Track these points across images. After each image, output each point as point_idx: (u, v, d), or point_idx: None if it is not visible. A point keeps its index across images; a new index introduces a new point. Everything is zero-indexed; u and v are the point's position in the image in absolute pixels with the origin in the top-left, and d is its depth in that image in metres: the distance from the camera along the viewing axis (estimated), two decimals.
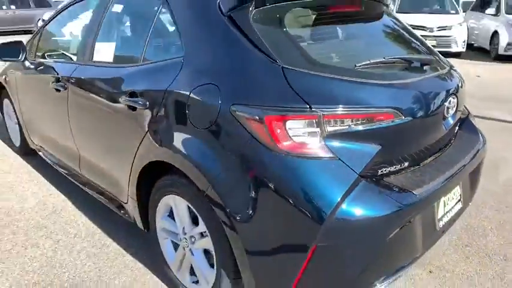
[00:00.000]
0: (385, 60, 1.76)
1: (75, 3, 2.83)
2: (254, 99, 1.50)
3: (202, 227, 1.74)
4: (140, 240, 2.46)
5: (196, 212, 1.74)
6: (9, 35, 16.04)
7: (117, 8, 2.33)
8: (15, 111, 3.60)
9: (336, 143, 1.47)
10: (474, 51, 11.07)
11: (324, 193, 1.42)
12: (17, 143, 3.87)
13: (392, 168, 1.62)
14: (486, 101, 5.75)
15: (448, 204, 1.86)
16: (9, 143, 4.08)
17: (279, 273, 1.50)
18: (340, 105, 1.48)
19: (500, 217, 2.74)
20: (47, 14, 14.38)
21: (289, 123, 1.44)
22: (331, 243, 1.44)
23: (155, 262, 2.22)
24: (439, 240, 1.92)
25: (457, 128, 2.11)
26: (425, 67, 1.89)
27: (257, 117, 1.45)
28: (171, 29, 1.91)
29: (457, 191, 1.93)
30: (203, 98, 1.61)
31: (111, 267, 2.25)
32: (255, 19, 1.65)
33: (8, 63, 3.83)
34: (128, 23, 2.44)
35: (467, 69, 7.97)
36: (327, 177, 1.44)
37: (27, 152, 3.75)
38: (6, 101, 3.84)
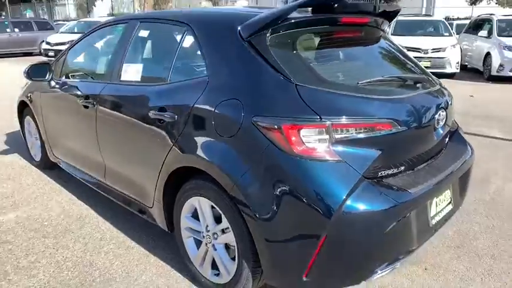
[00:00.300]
0: (383, 78, 2.06)
1: (100, 28, 3.13)
2: (272, 111, 1.77)
3: (225, 223, 1.99)
4: (162, 242, 2.69)
5: (220, 211, 1.98)
6: (12, 57, 16.54)
7: (144, 33, 2.63)
8: (37, 127, 3.86)
9: (342, 148, 1.73)
10: (468, 72, 11.49)
11: (332, 191, 1.68)
12: (37, 158, 4.11)
13: (390, 171, 1.89)
14: (479, 119, 6.07)
15: (440, 205, 2.12)
16: (28, 158, 4.32)
17: (294, 258, 1.75)
18: (346, 116, 1.75)
19: (490, 223, 2.99)
20: (53, 37, 14.85)
21: (303, 131, 1.71)
22: (338, 233, 1.69)
23: (177, 260, 2.45)
24: (433, 241, 2.17)
25: (447, 139, 2.38)
26: (418, 85, 2.18)
27: (276, 126, 1.72)
28: (196, 52, 2.19)
29: (447, 194, 2.19)
30: (227, 111, 1.89)
31: (137, 265, 2.47)
32: (271, 44, 1.94)
33: (28, 83, 4.15)
34: (154, 47, 2.73)
35: (461, 90, 8.32)
36: (334, 177, 1.71)
37: (47, 166, 4.00)
38: (28, 119, 4.11)
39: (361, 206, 1.70)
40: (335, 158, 1.72)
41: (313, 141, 1.72)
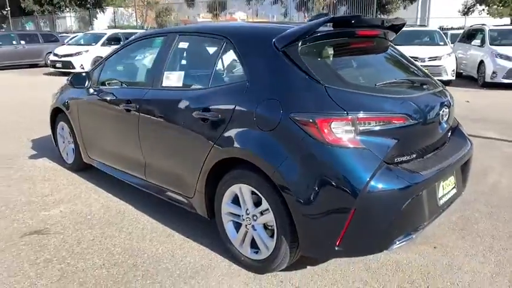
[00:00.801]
0: (396, 80, 2.43)
1: (137, 41, 3.50)
2: (307, 108, 2.13)
3: (264, 205, 2.32)
4: (198, 231, 3.02)
5: (260, 195, 2.32)
6: (17, 68, 16.91)
7: (183, 45, 3.00)
8: (72, 132, 4.20)
9: (365, 138, 2.09)
10: (463, 79, 11.96)
11: (358, 172, 2.04)
12: (69, 161, 4.44)
13: (404, 158, 2.24)
14: (475, 123, 6.46)
15: (445, 188, 2.47)
16: (59, 161, 4.65)
17: (329, 230, 2.09)
18: (367, 111, 2.11)
19: (489, 210, 3.34)
20: (61, 48, 15.24)
21: (333, 124, 2.07)
22: (364, 208, 2.04)
23: (215, 244, 2.79)
24: (441, 222, 2.50)
25: (449, 133, 2.74)
26: (424, 86, 2.55)
27: (311, 120, 2.08)
28: (235, 61, 2.56)
29: (452, 179, 2.54)
30: (267, 109, 2.24)
31: (180, 249, 2.80)
32: (301, 52, 2.31)
33: (57, 90, 4.51)
34: (194, 57, 3.10)
35: (457, 96, 8.61)
36: (360, 161, 2.06)
37: (79, 168, 4.33)
38: (61, 124, 4.44)
39: (382, 186, 2.05)
40: (360, 146, 2.08)
41: (341, 132, 2.08)
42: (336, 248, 2.11)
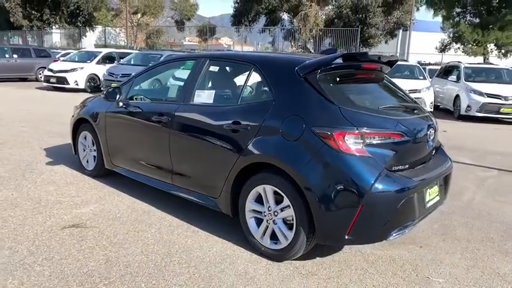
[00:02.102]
0: (393, 105, 3.02)
1: (167, 63, 4.02)
2: (325, 124, 2.67)
3: (285, 202, 2.82)
4: (221, 225, 3.47)
5: (282, 193, 2.82)
6: (8, 81, 17.08)
7: (214, 68, 3.53)
8: (95, 141, 4.61)
9: (370, 148, 2.64)
10: (440, 111, 12.90)
11: (365, 176, 2.57)
12: (89, 167, 4.83)
13: (400, 167, 2.80)
14: (452, 149, 7.10)
15: (431, 194, 3.03)
16: (78, 168, 5.02)
17: (341, 221, 2.60)
18: (372, 128, 2.67)
19: (465, 220, 3.92)
20: (56, 64, 15.57)
21: (346, 137, 2.62)
22: (369, 205, 2.57)
23: (237, 238, 3.25)
24: (425, 228, 3.05)
25: (434, 151, 3.33)
26: (415, 111, 3.15)
27: (329, 133, 2.62)
28: (261, 83, 3.10)
29: (436, 188, 3.11)
30: (292, 123, 2.77)
31: (206, 242, 3.24)
32: (319, 79, 2.87)
33: (79, 104, 4.95)
34: (224, 78, 3.63)
35: None
36: (367, 167, 2.60)
37: (99, 174, 4.72)
38: (84, 134, 4.85)
39: (384, 187, 2.59)
40: (366, 155, 2.62)
41: (352, 143, 2.62)
42: (346, 237, 2.62)
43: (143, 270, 2.79)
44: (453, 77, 12.58)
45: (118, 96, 4.15)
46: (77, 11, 32.38)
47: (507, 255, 3.24)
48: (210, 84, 3.64)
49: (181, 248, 3.13)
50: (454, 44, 28.75)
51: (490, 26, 27.33)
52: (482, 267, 3.03)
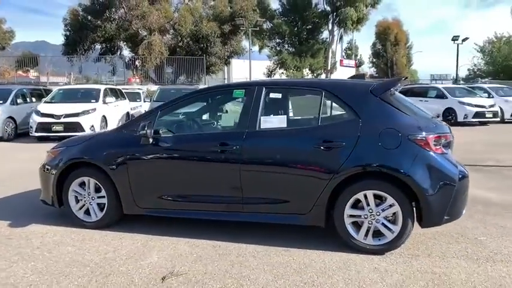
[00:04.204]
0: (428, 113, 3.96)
1: (211, 92, 4.13)
2: (416, 131, 3.38)
3: (389, 202, 3.37)
4: (303, 242, 3.71)
5: (386, 195, 3.37)
6: None
7: (275, 95, 3.81)
8: (104, 187, 4.10)
9: (443, 147, 3.47)
10: None
11: (452, 167, 3.41)
12: (94, 218, 4.19)
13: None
14: None
15: None
16: (66, 222, 4.31)
17: (442, 205, 3.35)
18: (441, 132, 3.53)
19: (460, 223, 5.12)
20: None
21: (434, 139, 3.39)
22: (458, 189, 3.39)
23: (327, 244, 3.59)
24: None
25: None
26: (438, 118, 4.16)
27: (424, 138, 3.34)
28: (339, 104, 3.60)
29: None
30: (389, 134, 3.39)
31: (306, 257, 3.47)
32: (391, 97, 3.57)
33: (55, 146, 4.37)
34: (294, 104, 3.91)
35: None
36: (450, 161, 3.45)
37: (111, 222, 4.20)
38: (78, 181, 4.19)
39: (461, 175, 3.45)
40: (445, 152, 3.44)
41: (437, 144, 3.41)
42: (445, 217, 3.37)
43: None
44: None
45: (148, 131, 3.88)
46: None
47: None
48: (279, 110, 3.93)
49: (297, 264, 3.30)
50: (278, 69, 33.25)
51: (303, 54, 32.72)
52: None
